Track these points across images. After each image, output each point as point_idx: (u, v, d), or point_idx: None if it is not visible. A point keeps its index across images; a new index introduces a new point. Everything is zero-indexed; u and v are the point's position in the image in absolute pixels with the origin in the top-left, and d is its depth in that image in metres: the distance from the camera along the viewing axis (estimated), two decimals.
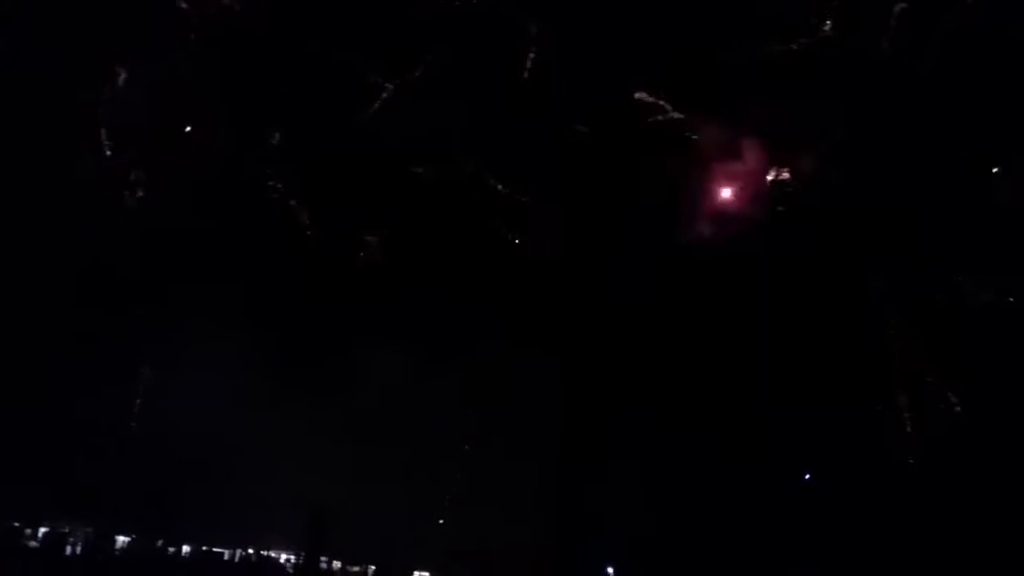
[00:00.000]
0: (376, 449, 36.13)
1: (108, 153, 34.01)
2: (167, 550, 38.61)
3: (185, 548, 39.42)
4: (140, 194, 34.41)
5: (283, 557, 39.95)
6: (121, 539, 38.16)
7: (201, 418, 34.85)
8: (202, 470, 36.13)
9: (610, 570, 37.84)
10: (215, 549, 39.73)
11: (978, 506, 30.04)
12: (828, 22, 30.88)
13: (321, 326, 37.01)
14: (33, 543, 36.88)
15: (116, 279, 35.25)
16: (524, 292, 35.34)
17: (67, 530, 37.29)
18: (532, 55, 33.52)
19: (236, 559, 39.84)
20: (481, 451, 36.88)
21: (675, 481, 34.56)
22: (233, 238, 35.68)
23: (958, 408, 30.68)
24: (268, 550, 39.82)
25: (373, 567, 40.53)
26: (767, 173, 32.96)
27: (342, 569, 40.58)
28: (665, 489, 34.83)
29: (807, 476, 33.94)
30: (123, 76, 33.59)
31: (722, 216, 33.21)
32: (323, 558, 39.82)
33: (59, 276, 34.60)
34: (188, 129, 34.80)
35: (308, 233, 35.32)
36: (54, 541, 36.84)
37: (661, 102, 33.32)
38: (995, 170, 30.45)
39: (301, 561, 38.64)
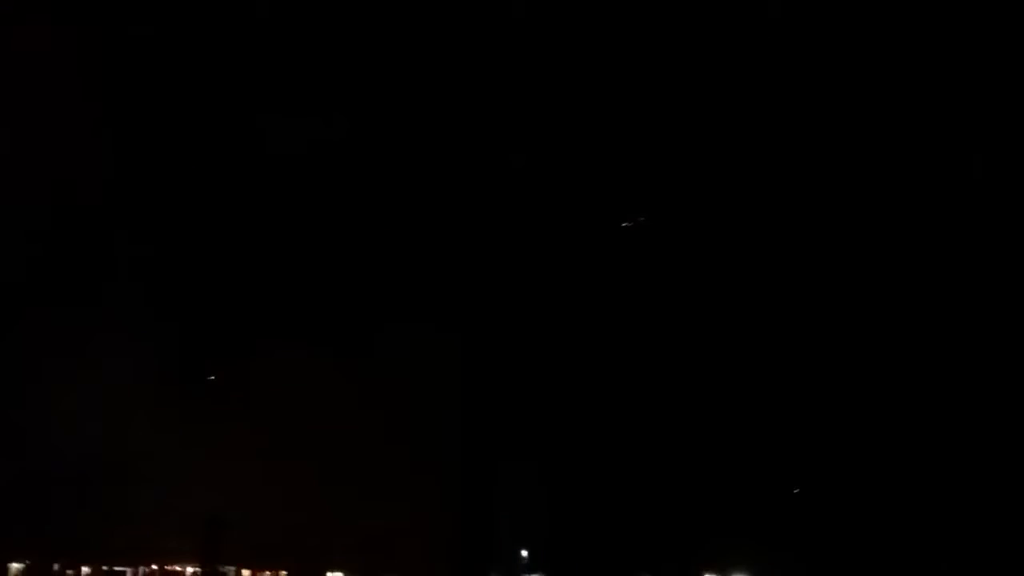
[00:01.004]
0: (274, 451, 35.34)
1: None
2: (65, 573, 37.09)
3: (84, 569, 37.95)
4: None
5: (188, 570, 38.70)
6: (15, 566, 36.51)
7: (91, 428, 33.67)
8: (93, 483, 34.76)
9: (524, 553, 37.75)
10: (116, 568, 38.34)
11: None
12: None
13: (215, 327, 36.21)
14: None
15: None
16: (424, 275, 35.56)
17: None
18: None
19: (139, 575, 38.50)
20: (384, 444, 36.38)
21: (587, 466, 34.90)
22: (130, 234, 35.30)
23: None
24: (171, 564, 38.57)
25: (284, 572, 39.63)
26: None
27: (253, 575, 39.60)
28: (576, 473, 35.15)
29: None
30: None
31: None
32: (230, 567, 38.76)
33: None
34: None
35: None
36: None
37: None
38: None
39: (202, 573, 37.60)
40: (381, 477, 35.61)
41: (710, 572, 35.03)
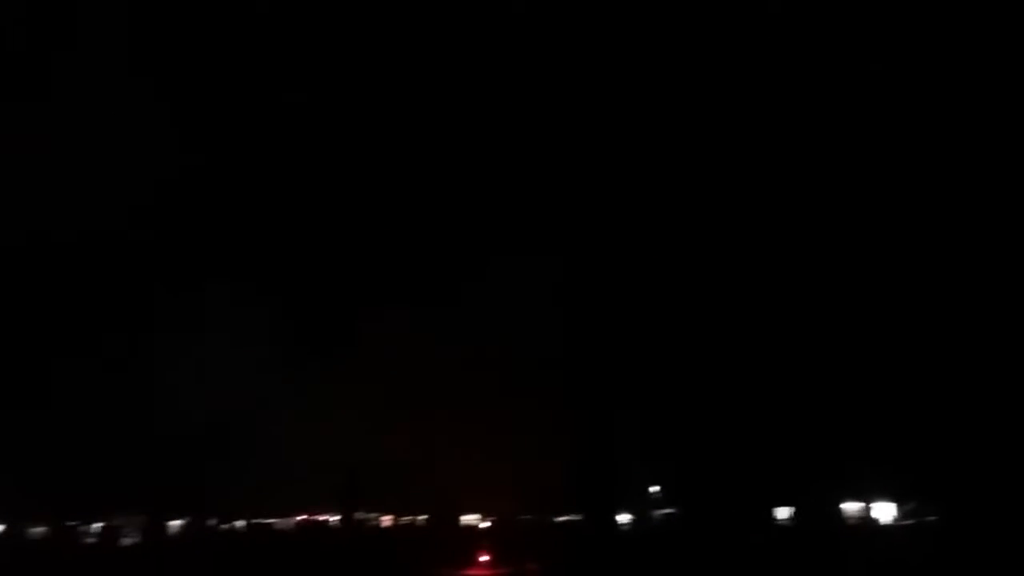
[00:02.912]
0: (397, 405, 36.21)
1: None
2: (219, 527, 39.51)
3: (239, 523, 40.36)
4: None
5: (333, 519, 40.57)
6: (175, 523, 39.11)
7: (227, 392, 35.38)
8: (239, 444, 36.57)
9: (654, 489, 37.56)
10: (267, 521, 40.61)
11: None
12: None
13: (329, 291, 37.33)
14: (91, 539, 38.11)
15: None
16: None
17: (120, 523, 38.33)
18: None
19: (288, 527, 40.64)
20: (510, 392, 36.56)
21: (717, 399, 34.11)
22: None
23: None
24: (317, 515, 40.50)
25: (424, 517, 40.99)
26: None
27: (393, 523, 41.13)
28: (706, 408, 34.43)
29: None
30: None
31: None
32: (372, 514, 40.33)
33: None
34: None
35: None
36: (110, 534, 37.90)
37: None
38: None
39: (341, 520, 39.32)
40: (508, 423, 35.98)
41: (850, 500, 33.92)
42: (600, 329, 35.30)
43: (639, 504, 37.47)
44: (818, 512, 33.39)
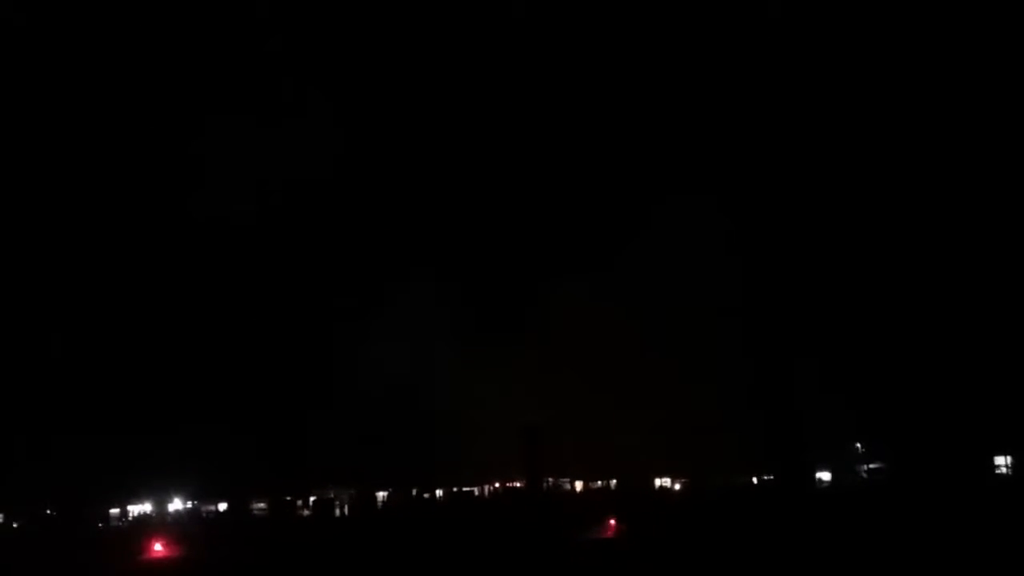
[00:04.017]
0: (583, 373, 36.50)
1: None
2: (423, 496, 41.33)
3: (439, 492, 42.08)
4: None
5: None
6: (381, 495, 41.21)
7: (437, 383, 37.26)
8: (439, 419, 38.06)
9: (858, 445, 36.30)
10: (465, 489, 42.12)
11: None
12: None
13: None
14: (306, 511, 40.76)
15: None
16: None
17: (332, 495, 40.77)
18: None
19: (486, 494, 42.02)
20: (690, 356, 36.13)
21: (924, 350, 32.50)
22: None
23: None
24: (511, 482, 41.62)
25: (614, 481, 41.31)
26: None
27: (585, 487, 41.72)
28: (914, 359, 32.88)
29: None
30: None
31: None
32: (564, 479, 41.05)
33: None
34: None
35: None
36: (323, 507, 40.42)
37: None
38: None
39: (526, 486, 40.22)
40: (690, 385, 35.62)
41: None
42: (785, 272, 34.39)
43: (840, 460, 36.28)
44: None
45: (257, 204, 36.78)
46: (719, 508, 33.09)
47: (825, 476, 36.99)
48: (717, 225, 34.70)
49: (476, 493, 42.21)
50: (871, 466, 35.47)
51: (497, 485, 42.57)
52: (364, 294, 37.56)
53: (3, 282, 36.46)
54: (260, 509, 41.26)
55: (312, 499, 41.13)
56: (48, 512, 40.52)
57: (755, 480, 38.84)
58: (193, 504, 42.60)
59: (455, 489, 42.10)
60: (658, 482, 40.32)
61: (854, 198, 33.59)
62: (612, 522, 26.09)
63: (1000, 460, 33.09)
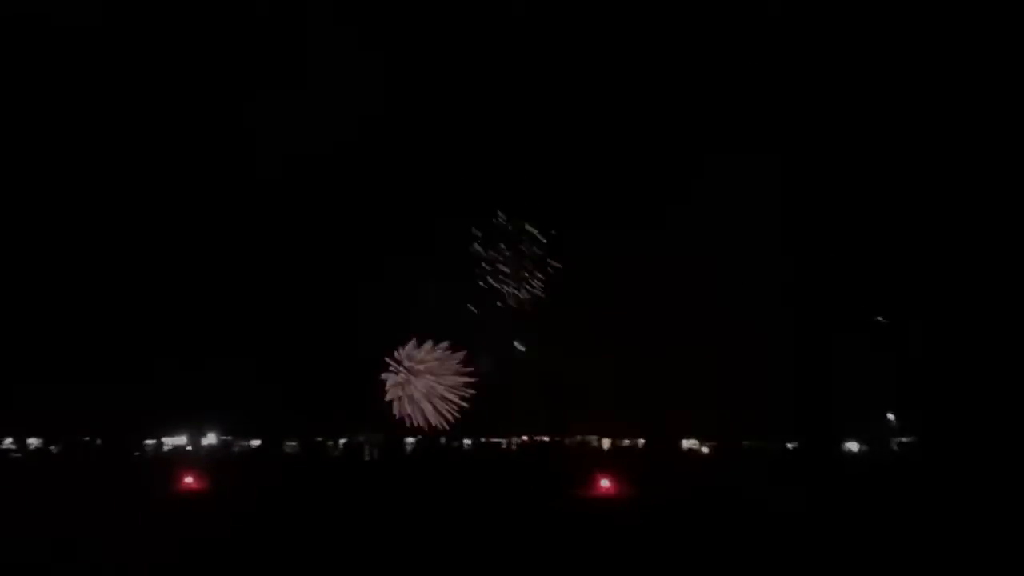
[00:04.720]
0: (614, 331, 36.52)
1: None
2: (451, 444, 41.79)
3: (466, 441, 42.48)
4: None
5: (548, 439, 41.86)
6: (409, 440, 41.76)
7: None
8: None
9: (891, 416, 35.81)
10: (493, 439, 42.50)
11: None
12: None
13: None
14: (336, 453, 41.54)
15: None
16: None
17: (363, 439, 41.47)
18: None
19: (512, 446, 42.38)
20: (725, 321, 35.76)
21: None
22: None
23: None
24: (539, 436, 41.94)
25: (642, 440, 41.34)
26: None
27: (612, 445, 41.82)
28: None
29: None
30: None
31: None
32: (592, 436, 41.23)
33: None
34: None
35: None
36: (353, 449, 41.19)
37: None
38: None
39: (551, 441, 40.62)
40: (723, 348, 35.30)
41: None
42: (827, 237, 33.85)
43: (872, 432, 35.85)
44: None
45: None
46: (734, 472, 33.37)
47: (854, 447, 36.64)
48: (769, 187, 34.07)
49: (503, 445, 42.57)
50: (903, 439, 34.97)
51: (524, 438, 42.88)
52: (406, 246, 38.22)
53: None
54: (292, 446, 42.18)
55: (342, 441, 41.90)
56: (86, 439, 41.85)
57: (788, 446, 38.50)
58: (227, 439, 43.63)
59: (482, 440, 42.49)
60: (686, 444, 40.24)
61: (891, 168, 32.88)
62: (605, 481, 25.88)
63: None
